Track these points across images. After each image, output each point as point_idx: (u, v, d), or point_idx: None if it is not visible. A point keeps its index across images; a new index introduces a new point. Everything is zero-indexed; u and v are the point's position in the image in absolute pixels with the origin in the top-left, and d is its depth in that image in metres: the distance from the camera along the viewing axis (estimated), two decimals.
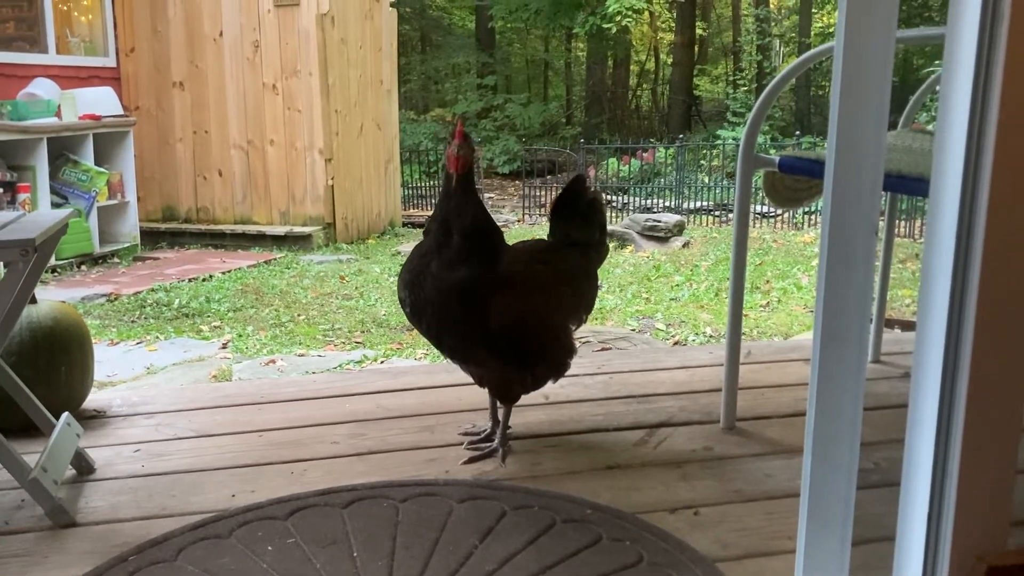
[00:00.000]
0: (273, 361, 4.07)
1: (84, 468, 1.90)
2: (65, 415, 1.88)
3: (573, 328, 2.03)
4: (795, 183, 2.14)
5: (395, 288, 5.97)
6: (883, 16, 1.07)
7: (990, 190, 1.02)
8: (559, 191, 2.14)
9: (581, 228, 2.07)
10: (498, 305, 1.79)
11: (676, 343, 4.55)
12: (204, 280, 6.30)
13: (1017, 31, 0.99)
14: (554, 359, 1.94)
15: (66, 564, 1.54)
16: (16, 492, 1.73)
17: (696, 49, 19.56)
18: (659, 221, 8.06)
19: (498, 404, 2.04)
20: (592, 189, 2.11)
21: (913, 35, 2.33)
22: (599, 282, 2.17)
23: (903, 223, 8.13)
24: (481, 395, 2.18)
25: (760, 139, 10.76)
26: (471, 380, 2.05)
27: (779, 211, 9.30)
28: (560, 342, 1.94)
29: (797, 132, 12.42)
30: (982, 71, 1.01)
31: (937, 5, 14.45)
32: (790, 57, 17.20)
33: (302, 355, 4.23)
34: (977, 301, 1.04)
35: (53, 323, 2.10)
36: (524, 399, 2.02)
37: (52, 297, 4.29)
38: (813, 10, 17.78)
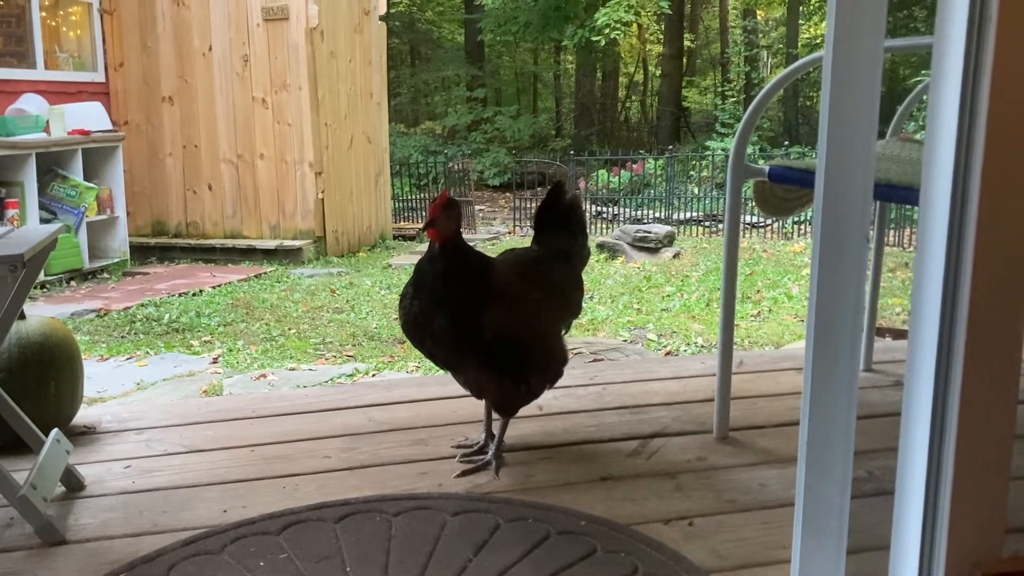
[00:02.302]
0: (264, 375, 4.05)
1: (74, 485, 1.88)
2: (54, 431, 1.86)
3: (563, 333, 2.03)
4: (785, 192, 2.14)
5: (387, 301, 5.96)
6: (871, 26, 1.08)
7: (979, 197, 1.02)
8: (539, 201, 2.16)
9: (562, 235, 2.07)
10: (491, 316, 1.79)
11: (668, 353, 4.55)
12: (194, 295, 6.28)
13: (1004, 38, 0.99)
14: (548, 367, 1.94)
15: None
16: (5, 510, 1.71)
17: (684, 61, 19.67)
18: (649, 232, 8.08)
19: (493, 416, 2.04)
20: (570, 195, 2.11)
21: (901, 44, 2.34)
22: (584, 286, 2.17)
23: (892, 232, 8.16)
24: (474, 407, 2.17)
25: (749, 149, 10.82)
26: (464, 392, 2.04)
27: (769, 221, 9.34)
28: (553, 350, 1.94)
29: (785, 142, 12.48)
30: (970, 79, 1.02)
31: (923, 16, 14.57)
32: (778, 68, 17.32)
33: (293, 369, 4.22)
34: (968, 308, 1.04)
35: (42, 339, 2.08)
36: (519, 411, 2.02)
37: (41, 313, 4.26)
38: (800, 21, 17.91)
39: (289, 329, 5.24)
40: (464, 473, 1.92)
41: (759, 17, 19.81)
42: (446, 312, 1.77)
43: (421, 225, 9.54)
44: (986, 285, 1.04)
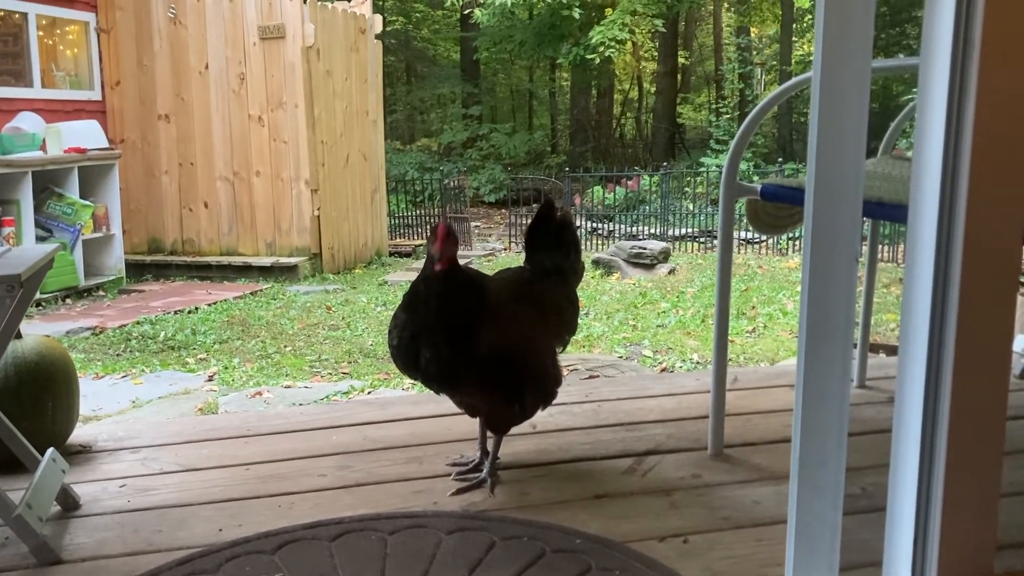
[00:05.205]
0: (260, 393, 4.05)
1: (69, 504, 1.88)
2: (50, 451, 1.86)
3: (559, 350, 2.03)
4: (777, 210, 2.16)
5: (383, 318, 5.97)
6: (859, 46, 1.10)
7: (966, 216, 1.04)
8: (530, 220, 2.16)
9: (555, 252, 2.07)
10: (485, 337, 1.79)
11: (663, 370, 4.56)
12: (190, 312, 6.27)
13: (988, 60, 1.01)
14: (542, 389, 1.94)
15: None
16: (0, 530, 1.71)
17: (679, 78, 19.77)
18: (645, 248, 8.10)
19: (487, 434, 2.04)
20: (560, 211, 2.11)
21: (890, 65, 2.37)
22: (580, 304, 2.17)
23: (886, 248, 8.19)
24: (469, 425, 2.17)
25: (744, 166, 10.87)
26: (458, 410, 2.05)
27: (763, 237, 9.37)
28: (547, 371, 1.94)
29: (780, 159, 12.54)
30: (955, 99, 1.03)
31: (915, 34, 14.66)
32: (772, 85, 17.40)
33: (289, 387, 4.21)
34: (957, 324, 1.05)
35: (38, 358, 2.08)
36: (513, 428, 2.02)
37: (37, 331, 4.26)
38: (794, 38, 18.02)
39: (285, 346, 5.24)
40: (460, 491, 1.92)
41: (753, 35, 19.93)
42: (441, 332, 1.77)
43: (424, 244, 9.57)
44: (974, 301, 1.05)
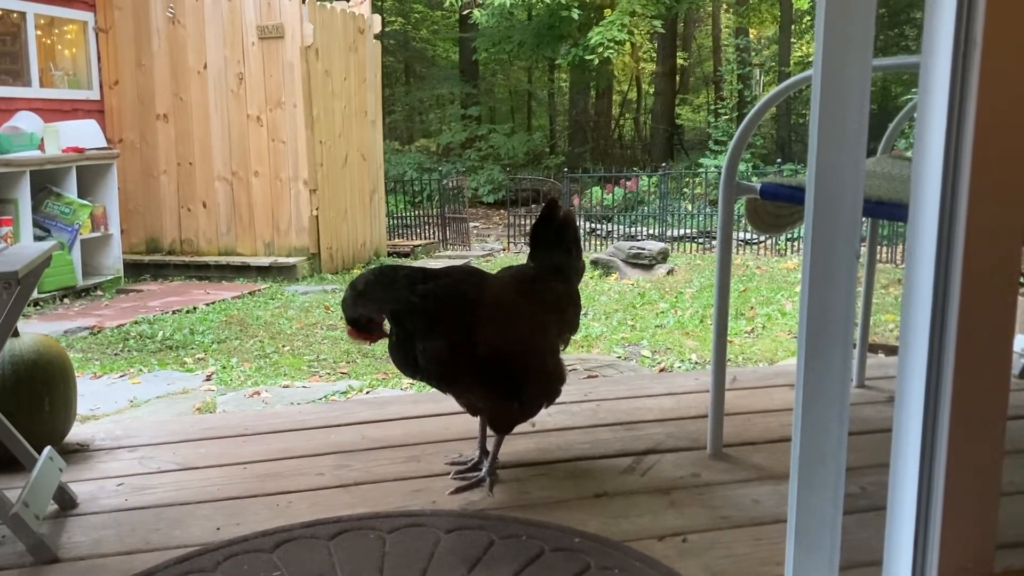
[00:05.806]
0: (258, 393, 4.04)
1: (67, 503, 1.88)
2: (48, 449, 1.85)
3: (561, 349, 2.03)
4: (777, 209, 2.15)
5: None
6: (859, 45, 1.10)
7: (967, 215, 1.04)
8: (533, 218, 2.17)
9: (557, 251, 2.08)
10: (484, 336, 1.79)
11: (662, 370, 4.56)
12: (188, 312, 6.27)
13: (989, 59, 1.01)
14: (544, 387, 1.93)
15: None
16: None
17: (678, 79, 19.78)
18: (643, 249, 8.10)
19: (488, 433, 2.03)
20: (563, 210, 2.11)
21: (890, 63, 2.37)
22: (581, 302, 2.17)
23: (885, 249, 8.20)
24: (467, 424, 2.17)
25: (742, 167, 10.88)
26: (458, 409, 2.04)
27: (762, 238, 9.37)
28: (548, 370, 1.94)
29: (779, 160, 12.54)
30: (956, 98, 1.03)
31: (914, 35, 14.68)
32: (770, 86, 17.40)
33: (287, 386, 4.21)
34: (958, 324, 1.05)
35: (36, 356, 2.08)
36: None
37: (35, 330, 4.25)
38: (792, 39, 18.03)
39: (283, 346, 5.24)
40: (458, 490, 1.92)
41: (751, 36, 19.94)
42: (439, 332, 1.77)
43: (423, 245, 9.69)
44: (974, 301, 1.05)
